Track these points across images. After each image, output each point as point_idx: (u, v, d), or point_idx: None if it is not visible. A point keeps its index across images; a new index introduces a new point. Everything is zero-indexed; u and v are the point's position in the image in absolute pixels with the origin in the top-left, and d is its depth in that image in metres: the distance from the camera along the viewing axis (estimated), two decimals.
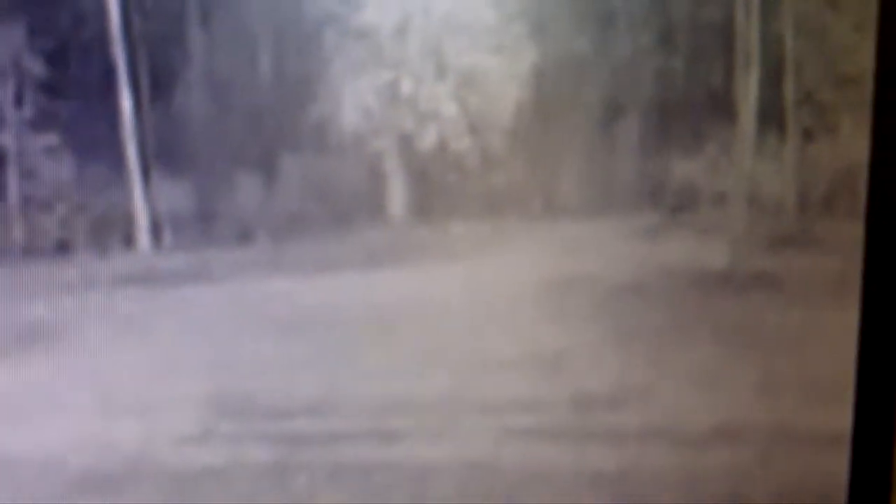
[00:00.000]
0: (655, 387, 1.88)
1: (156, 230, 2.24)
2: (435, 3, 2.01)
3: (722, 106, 1.61)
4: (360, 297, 2.04)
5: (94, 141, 2.27)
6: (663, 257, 1.83)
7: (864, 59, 1.52)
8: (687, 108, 1.63)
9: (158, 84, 2.23)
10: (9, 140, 2.50)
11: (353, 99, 2.05)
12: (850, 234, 1.60)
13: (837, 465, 1.70)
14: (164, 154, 2.23)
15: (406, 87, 1.99)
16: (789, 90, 1.58)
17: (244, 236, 2.13)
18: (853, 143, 1.57)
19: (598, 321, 1.91)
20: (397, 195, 2.05)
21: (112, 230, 2.24)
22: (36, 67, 2.67)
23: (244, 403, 2.05)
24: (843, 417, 1.67)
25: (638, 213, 1.85)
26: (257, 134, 2.10)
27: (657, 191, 1.76)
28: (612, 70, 1.78)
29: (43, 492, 2.18)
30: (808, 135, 1.58)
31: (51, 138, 2.42)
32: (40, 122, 2.39)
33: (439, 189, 1.95)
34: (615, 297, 1.90)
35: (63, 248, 2.28)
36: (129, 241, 2.25)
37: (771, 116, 1.60)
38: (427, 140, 2.01)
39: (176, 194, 2.25)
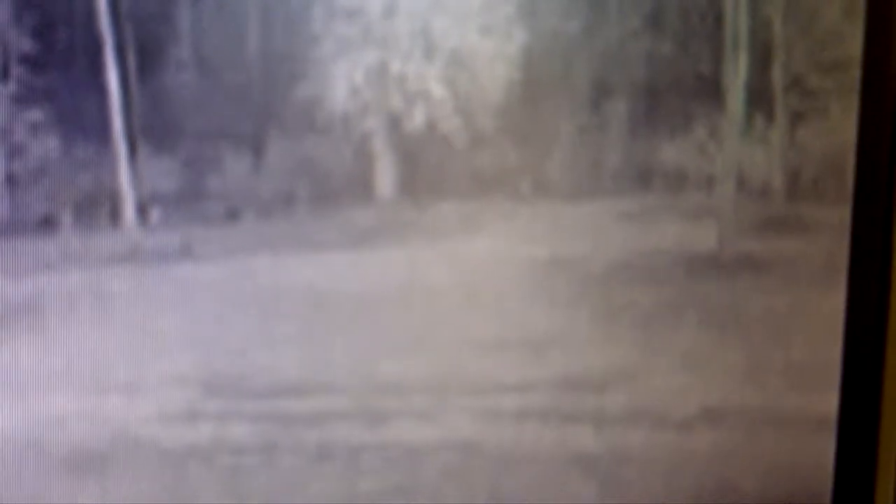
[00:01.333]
0: (642, 369, 1.91)
1: (142, 207, 2.26)
2: None
3: (710, 89, 1.65)
4: (347, 276, 2.07)
5: (80, 117, 2.29)
6: (650, 240, 1.86)
7: (852, 44, 1.56)
8: (675, 92, 1.67)
9: (146, 60, 2.25)
10: None
11: (341, 78, 2.08)
12: (837, 218, 1.64)
13: (823, 449, 1.73)
14: (151, 131, 2.25)
15: (394, 67, 2.01)
16: (778, 74, 1.62)
17: (231, 214, 2.16)
18: (841, 128, 1.61)
19: (584, 303, 1.94)
20: (385, 175, 2.08)
21: (98, 207, 2.27)
22: (22, 42, 2.67)
23: (230, 382, 2.08)
24: (829, 401, 1.70)
25: (626, 196, 1.88)
26: (245, 112, 2.13)
27: (645, 173, 1.79)
28: (601, 52, 1.81)
29: (28, 469, 2.20)
30: (796, 119, 1.62)
31: (36, 114, 2.43)
32: (26, 98, 2.40)
33: (427, 169, 1.99)
34: (602, 280, 1.92)
35: (48, 224, 2.30)
36: (115, 218, 2.27)
37: (759, 100, 1.63)
38: (415, 120, 2.03)
39: (163, 171, 2.27)
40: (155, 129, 2.24)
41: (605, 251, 1.91)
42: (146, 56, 2.25)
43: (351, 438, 2.03)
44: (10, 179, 2.31)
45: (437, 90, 2.02)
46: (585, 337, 1.93)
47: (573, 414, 1.98)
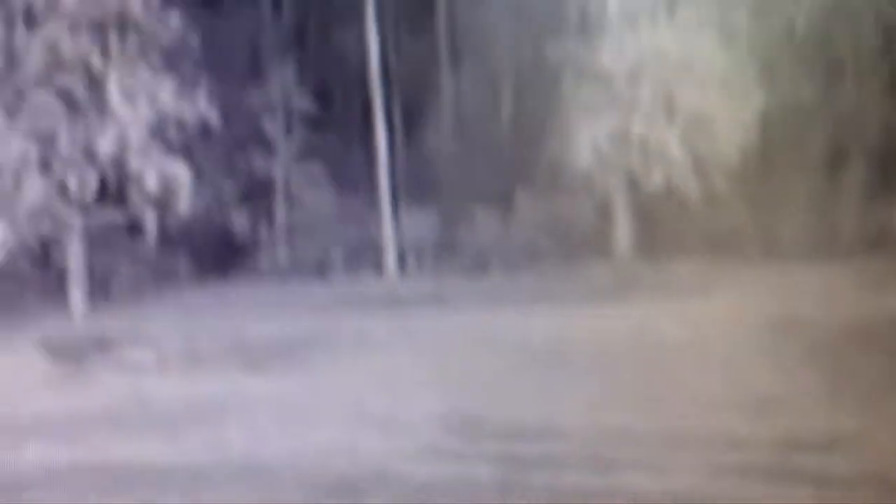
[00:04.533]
0: (868, 433, 1.98)
1: (402, 257, 2.52)
2: (668, 47, 2.26)
3: None
4: (584, 330, 2.23)
5: (351, 173, 2.59)
6: (883, 304, 1.95)
7: None
8: None
9: (410, 122, 2.53)
10: (277, 170, 2.81)
11: (586, 139, 2.31)
12: None
13: None
14: (411, 188, 2.52)
15: (637, 129, 2.23)
16: None
17: (480, 266, 2.35)
18: None
19: (814, 365, 2.04)
20: (623, 233, 2.26)
21: (364, 255, 2.52)
22: (303, 103, 3.05)
23: (473, 424, 2.23)
24: None
25: (858, 259, 1.99)
26: (497, 170, 2.36)
27: (880, 237, 1.91)
28: (837, 117, 1.98)
29: (295, 496, 2.35)
30: None
31: (314, 170, 2.77)
32: (305, 155, 2.73)
33: (663, 228, 2.15)
34: (833, 343, 2.03)
35: (321, 271, 2.57)
36: (378, 266, 2.53)
37: None
38: (653, 180, 2.24)
39: (420, 225, 2.54)
40: (415, 185, 2.51)
41: (835, 314, 2.02)
42: (411, 118, 2.56)
43: (581, 484, 2.14)
44: (290, 228, 2.58)
45: (676, 152, 2.23)
46: (812, 399, 2.03)
47: (796, 474, 2.07)
